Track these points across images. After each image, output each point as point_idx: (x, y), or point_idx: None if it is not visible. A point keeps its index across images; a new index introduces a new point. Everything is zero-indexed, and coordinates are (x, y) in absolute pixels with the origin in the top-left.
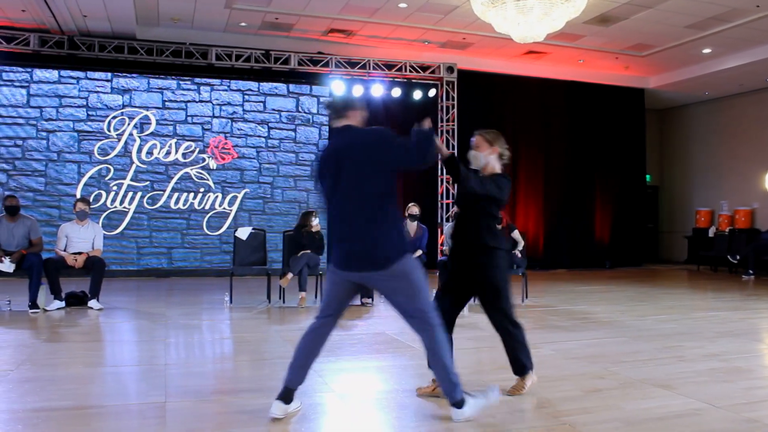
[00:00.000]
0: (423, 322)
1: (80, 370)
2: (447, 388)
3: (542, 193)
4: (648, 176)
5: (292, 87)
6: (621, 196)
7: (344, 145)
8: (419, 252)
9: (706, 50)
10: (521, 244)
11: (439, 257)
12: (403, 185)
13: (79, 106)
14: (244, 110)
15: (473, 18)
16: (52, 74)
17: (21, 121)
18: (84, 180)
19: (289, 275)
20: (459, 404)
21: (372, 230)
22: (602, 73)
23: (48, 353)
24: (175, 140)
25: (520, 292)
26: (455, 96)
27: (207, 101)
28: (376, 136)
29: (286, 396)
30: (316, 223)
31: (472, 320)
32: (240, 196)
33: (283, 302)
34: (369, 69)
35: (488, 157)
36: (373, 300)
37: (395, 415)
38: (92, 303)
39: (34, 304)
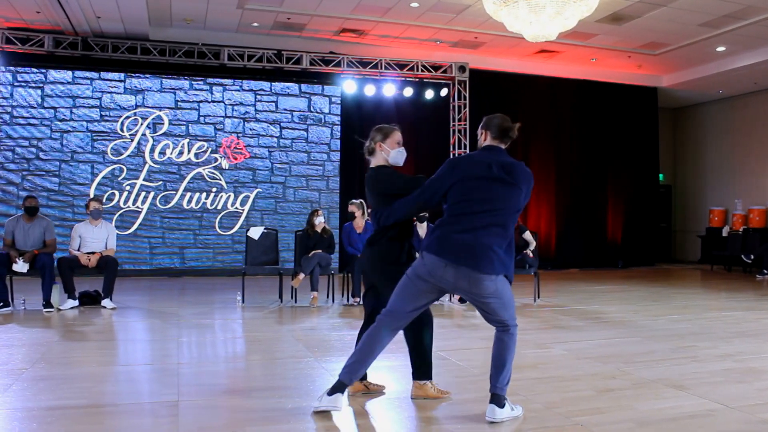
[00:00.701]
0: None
1: (94, 368)
2: (501, 383)
3: (554, 192)
4: (661, 175)
5: (304, 87)
6: (634, 196)
7: (505, 163)
8: None
9: (720, 48)
10: (533, 244)
11: None
12: None
13: (92, 107)
14: (256, 110)
15: (485, 17)
16: (66, 75)
17: (35, 121)
18: (97, 180)
19: (301, 276)
20: (501, 402)
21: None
22: (615, 72)
23: (62, 352)
24: (187, 140)
25: (532, 292)
26: (467, 95)
27: (219, 101)
28: (530, 174)
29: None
30: (318, 222)
31: (481, 320)
32: (252, 195)
33: (295, 302)
34: (381, 68)
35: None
36: None
37: (406, 414)
38: (105, 302)
39: (47, 304)
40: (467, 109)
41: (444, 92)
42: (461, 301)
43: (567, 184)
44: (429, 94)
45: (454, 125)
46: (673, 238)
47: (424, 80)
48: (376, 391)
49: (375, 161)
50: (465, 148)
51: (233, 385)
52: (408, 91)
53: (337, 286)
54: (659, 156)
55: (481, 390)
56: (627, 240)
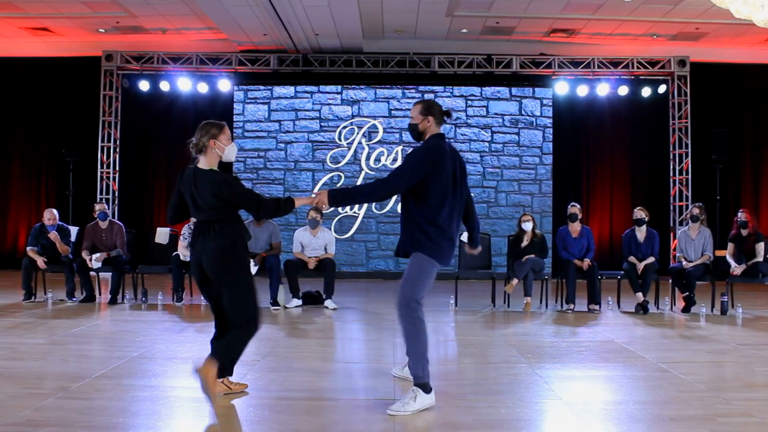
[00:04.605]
0: None
1: (315, 364)
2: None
3: None
4: None
5: (514, 90)
6: None
7: None
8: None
9: None
10: (761, 255)
11: (672, 263)
12: (631, 188)
13: (312, 118)
14: (467, 115)
15: (707, 5)
16: (289, 90)
17: (263, 134)
18: (318, 187)
19: (514, 281)
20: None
21: None
22: None
23: (288, 347)
24: (401, 147)
25: (766, 303)
26: (688, 91)
27: None
28: None
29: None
30: (527, 227)
31: (710, 332)
32: None
33: (508, 307)
34: (593, 68)
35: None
36: (600, 306)
37: (626, 427)
38: (328, 302)
39: (274, 302)
40: (688, 105)
41: (662, 89)
42: (685, 310)
43: None
44: (646, 91)
45: (674, 124)
46: None
47: (641, 77)
48: (238, 390)
49: (207, 160)
50: (686, 147)
51: (446, 388)
52: (623, 90)
53: (551, 292)
54: None
55: (708, 407)
56: None
